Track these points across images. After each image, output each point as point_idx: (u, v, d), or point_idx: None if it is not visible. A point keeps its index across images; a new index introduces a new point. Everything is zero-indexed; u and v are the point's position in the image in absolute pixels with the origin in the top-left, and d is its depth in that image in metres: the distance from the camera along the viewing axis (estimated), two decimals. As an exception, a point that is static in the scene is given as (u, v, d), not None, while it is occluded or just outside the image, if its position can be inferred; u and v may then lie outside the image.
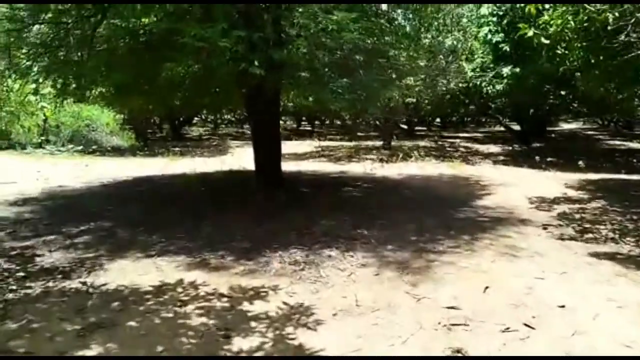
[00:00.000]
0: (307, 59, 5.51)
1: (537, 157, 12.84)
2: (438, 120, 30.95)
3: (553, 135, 23.45)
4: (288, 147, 15.46)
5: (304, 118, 31.27)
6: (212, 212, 6.90)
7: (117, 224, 6.18)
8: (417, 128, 25.05)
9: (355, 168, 12.00)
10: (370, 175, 10.60)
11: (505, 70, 12.18)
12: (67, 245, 5.27)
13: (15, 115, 15.25)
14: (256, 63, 5.30)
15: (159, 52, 6.02)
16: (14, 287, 4.06)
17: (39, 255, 4.91)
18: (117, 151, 15.98)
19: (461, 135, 25.29)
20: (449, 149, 17.25)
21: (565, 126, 31.28)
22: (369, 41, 6.07)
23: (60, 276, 4.33)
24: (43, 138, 15.75)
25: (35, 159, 13.39)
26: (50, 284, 4.17)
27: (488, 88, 13.51)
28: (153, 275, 4.39)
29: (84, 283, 4.18)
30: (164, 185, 9.50)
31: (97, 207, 7.15)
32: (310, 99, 6.94)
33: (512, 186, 9.09)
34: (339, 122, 34.66)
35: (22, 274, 4.39)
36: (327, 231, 5.72)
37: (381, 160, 13.22)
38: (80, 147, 15.50)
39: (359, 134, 23.11)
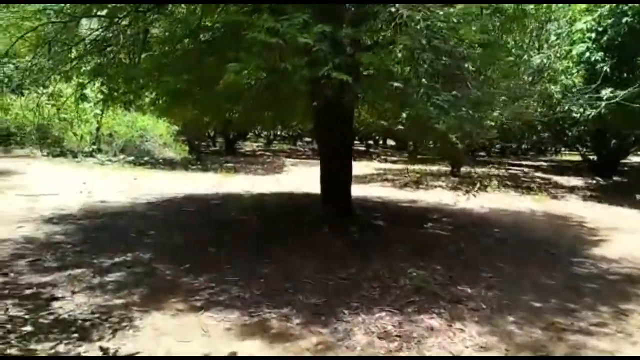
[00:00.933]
0: (405, 65, 4.29)
1: (637, 196, 11.07)
2: (497, 145, 28.89)
3: (625, 168, 21.17)
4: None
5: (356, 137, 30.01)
6: (270, 246, 5.71)
7: (158, 256, 5.11)
8: (478, 153, 23.36)
9: (425, 196, 10.63)
10: (448, 207, 9.20)
11: (605, 93, 10.58)
12: (95, 284, 4.23)
13: (68, 122, 14.83)
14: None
15: (222, 53, 4.99)
16: (13, 350, 3.02)
17: (57, 298, 3.88)
18: (169, 164, 15.24)
19: (524, 163, 23.39)
20: (523, 178, 15.57)
21: (633, 159, 28.38)
22: (479, 48, 4.80)
23: (76, 335, 3.26)
24: (95, 147, 15.21)
25: (85, 168, 12.77)
26: (62, 347, 3.10)
27: (579, 112, 11.90)
28: (196, 342, 3.25)
29: (105, 350, 3.08)
30: (215, 207, 8.45)
31: (138, 231, 6.15)
32: (404, 115, 5.66)
33: (624, 232, 7.49)
34: (393, 143, 33.26)
35: (29, 327, 3.34)
36: (420, 286, 4.41)
37: (462, 190, 11.71)
38: (131, 158, 14.85)
39: (419, 156, 21.63)
